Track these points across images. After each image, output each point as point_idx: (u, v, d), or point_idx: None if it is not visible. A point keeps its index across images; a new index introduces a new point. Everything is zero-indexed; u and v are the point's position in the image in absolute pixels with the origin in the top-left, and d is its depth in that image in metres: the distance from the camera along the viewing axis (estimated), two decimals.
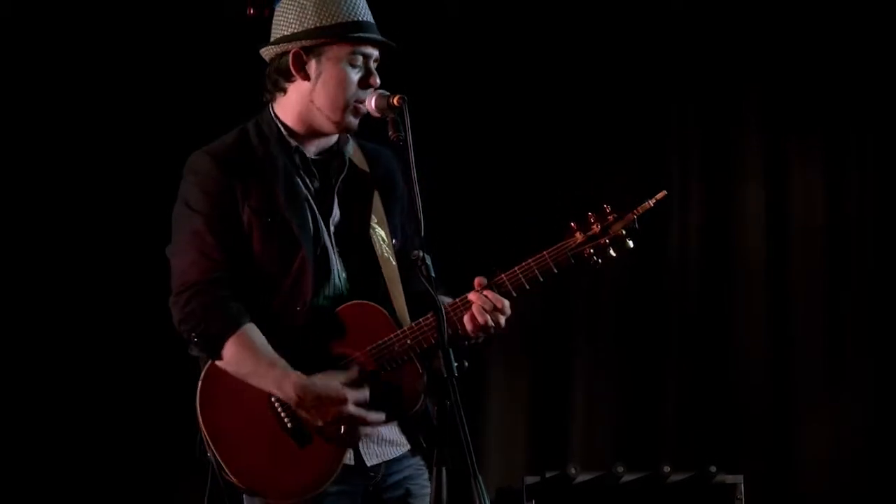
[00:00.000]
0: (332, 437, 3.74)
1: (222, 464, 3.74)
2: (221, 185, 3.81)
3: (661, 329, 6.26)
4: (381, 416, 3.76)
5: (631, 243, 3.82)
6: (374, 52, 3.86)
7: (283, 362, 3.74)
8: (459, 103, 6.17)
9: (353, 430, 3.75)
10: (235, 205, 3.80)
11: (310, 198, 3.87)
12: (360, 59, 3.85)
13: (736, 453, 6.06)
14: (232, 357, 3.76)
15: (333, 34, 3.83)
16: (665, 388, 6.25)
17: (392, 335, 3.78)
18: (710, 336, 6.25)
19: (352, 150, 3.95)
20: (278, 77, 3.89)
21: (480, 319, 3.76)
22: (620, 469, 5.54)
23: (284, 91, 3.89)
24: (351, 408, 3.71)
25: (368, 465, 3.85)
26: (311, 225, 3.84)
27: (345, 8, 3.86)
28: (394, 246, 3.93)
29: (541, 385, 6.29)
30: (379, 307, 3.83)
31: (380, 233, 3.93)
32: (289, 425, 3.75)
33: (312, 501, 3.76)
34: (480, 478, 3.40)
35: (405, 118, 3.67)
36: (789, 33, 6.23)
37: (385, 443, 3.90)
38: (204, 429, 3.76)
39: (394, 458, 3.90)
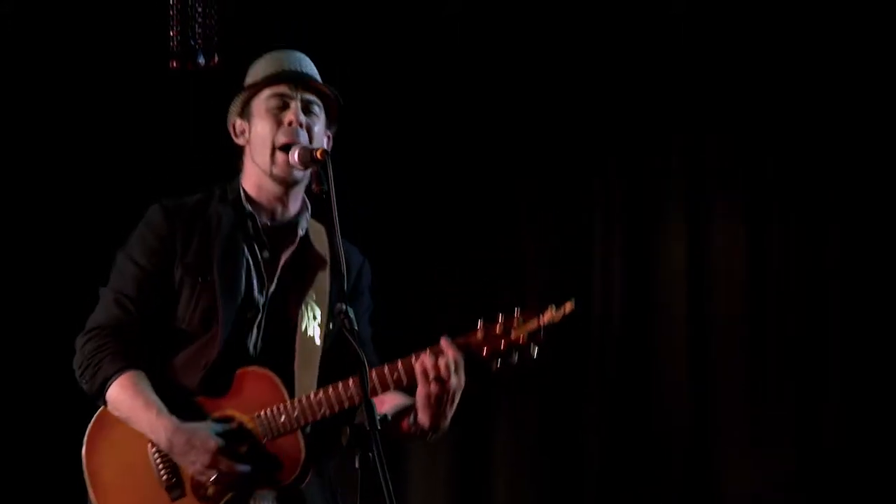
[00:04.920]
0: (204, 492, 3.78)
1: None
2: (163, 240, 3.89)
3: (581, 387, 6.23)
4: (247, 469, 3.77)
5: (535, 351, 3.76)
6: (294, 94, 3.89)
7: (159, 406, 3.79)
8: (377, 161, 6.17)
9: (223, 489, 3.77)
10: (171, 262, 3.88)
11: (252, 265, 3.92)
12: (279, 102, 3.90)
13: None
14: (114, 400, 3.83)
15: (246, 88, 3.93)
16: (587, 447, 6.21)
17: (280, 405, 3.81)
18: (632, 391, 6.21)
19: (306, 225, 3.99)
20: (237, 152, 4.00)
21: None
22: None
23: (243, 162, 3.99)
24: (220, 458, 3.74)
25: None
26: (241, 291, 3.89)
27: (268, 65, 3.94)
28: (328, 328, 3.95)
29: (462, 447, 6.28)
30: (273, 377, 3.86)
31: (314, 310, 3.96)
32: (163, 478, 3.80)
33: None
34: None
35: (328, 171, 3.70)
36: (714, 89, 6.17)
37: None
38: (86, 472, 3.84)
39: None
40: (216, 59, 3.75)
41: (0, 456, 5.87)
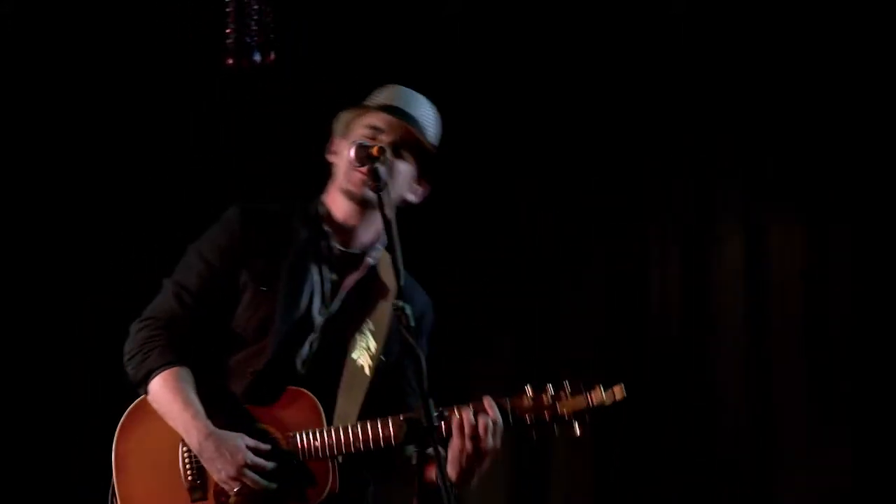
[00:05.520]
0: (226, 500, 3.81)
1: (116, 491, 3.86)
2: (235, 242, 3.94)
3: (639, 384, 6.16)
4: (272, 486, 3.78)
5: (577, 430, 3.77)
6: (388, 130, 3.91)
7: (197, 408, 3.83)
8: None
9: (245, 502, 3.79)
10: (239, 265, 3.93)
11: (315, 285, 3.94)
12: (371, 133, 3.92)
13: None
14: (155, 392, 3.87)
15: (350, 107, 3.97)
16: (643, 450, 6.16)
17: (316, 430, 3.83)
18: (690, 393, 6.15)
19: (377, 255, 4.01)
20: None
21: None
22: None
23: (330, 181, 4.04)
24: (246, 471, 3.75)
25: None
26: (301, 308, 3.92)
27: (383, 95, 3.99)
28: (381, 360, 3.96)
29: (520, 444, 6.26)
30: (315, 401, 3.88)
31: (368, 341, 3.97)
32: (188, 477, 3.83)
33: None
34: None
35: (385, 168, 3.70)
36: (769, 88, 6.11)
37: None
38: (114, 455, 3.89)
39: None
40: (272, 56, 3.74)
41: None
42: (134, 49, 6.04)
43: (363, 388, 3.92)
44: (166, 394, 3.84)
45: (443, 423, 3.74)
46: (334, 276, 3.97)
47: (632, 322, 6.18)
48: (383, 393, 3.95)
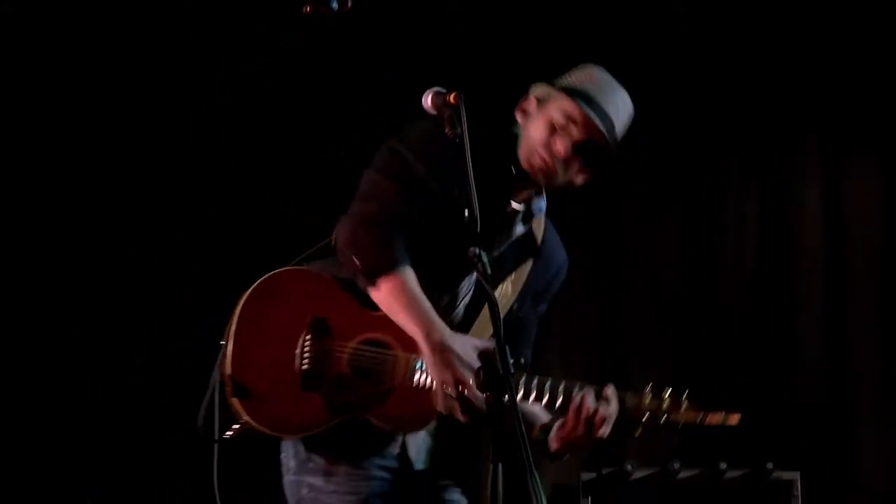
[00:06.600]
0: (340, 389, 3.77)
1: (229, 355, 3.78)
2: (449, 150, 3.72)
3: (717, 326, 6.24)
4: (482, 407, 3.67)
5: (678, 437, 3.84)
6: (580, 129, 3.87)
7: (435, 313, 3.76)
8: None
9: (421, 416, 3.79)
10: (449, 180, 3.76)
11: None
12: (564, 122, 3.89)
13: (793, 451, 6.04)
14: (387, 291, 3.76)
15: (564, 89, 3.90)
16: (722, 386, 6.21)
17: None
18: (768, 334, 6.21)
19: (541, 217, 4.05)
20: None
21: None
22: (677, 465, 5.52)
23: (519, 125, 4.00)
24: (471, 383, 3.68)
25: (416, 469, 3.93)
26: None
27: (589, 85, 3.92)
28: (511, 309, 3.99)
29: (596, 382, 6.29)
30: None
31: (507, 289, 3.99)
32: (304, 366, 3.79)
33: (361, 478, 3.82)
34: (536, 474, 3.41)
35: (461, 115, 3.68)
36: (846, 43, 6.25)
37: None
38: (237, 318, 3.80)
39: None
40: (349, 3, 3.75)
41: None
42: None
43: (489, 330, 3.84)
44: (403, 294, 3.74)
45: (564, 396, 3.76)
46: (507, 228, 3.99)
47: (708, 264, 6.24)
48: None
